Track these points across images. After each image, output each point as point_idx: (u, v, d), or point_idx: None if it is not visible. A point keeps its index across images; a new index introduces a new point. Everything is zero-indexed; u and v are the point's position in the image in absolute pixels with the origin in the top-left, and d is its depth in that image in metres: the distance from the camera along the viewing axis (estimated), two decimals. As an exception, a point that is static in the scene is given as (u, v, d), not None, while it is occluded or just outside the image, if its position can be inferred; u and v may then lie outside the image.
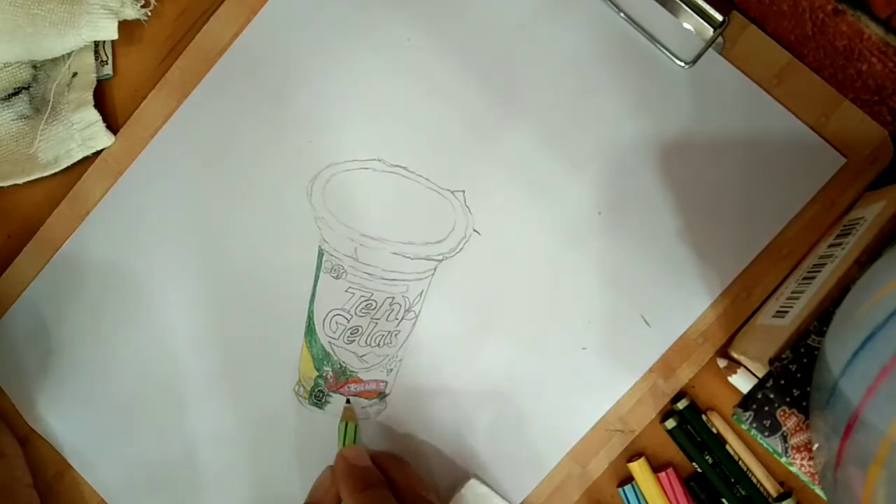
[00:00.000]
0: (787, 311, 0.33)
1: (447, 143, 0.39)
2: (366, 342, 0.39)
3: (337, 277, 0.39)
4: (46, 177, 0.41)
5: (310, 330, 0.39)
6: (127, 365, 0.40)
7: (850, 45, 0.33)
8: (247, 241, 0.40)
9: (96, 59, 0.41)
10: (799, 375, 0.31)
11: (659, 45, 0.37)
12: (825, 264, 0.33)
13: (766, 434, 0.31)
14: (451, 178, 0.39)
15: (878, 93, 0.34)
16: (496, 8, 0.39)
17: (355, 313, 0.39)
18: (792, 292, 0.34)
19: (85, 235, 0.41)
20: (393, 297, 0.39)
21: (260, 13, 0.40)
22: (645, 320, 0.37)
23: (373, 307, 0.39)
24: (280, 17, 0.40)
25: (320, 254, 0.39)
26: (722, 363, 0.37)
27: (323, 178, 0.39)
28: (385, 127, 0.39)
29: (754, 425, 0.31)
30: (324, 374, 0.39)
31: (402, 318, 0.39)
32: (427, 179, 0.39)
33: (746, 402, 0.32)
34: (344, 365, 0.39)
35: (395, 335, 0.39)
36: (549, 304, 0.38)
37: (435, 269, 0.39)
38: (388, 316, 0.39)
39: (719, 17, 0.37)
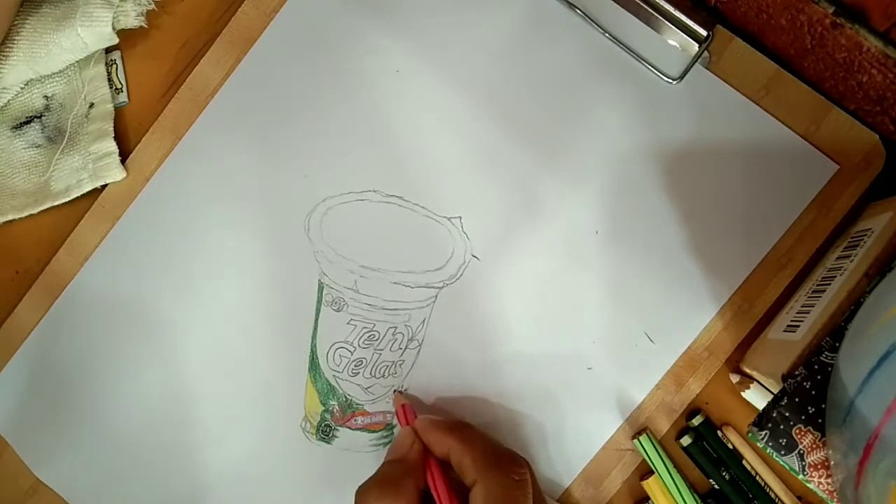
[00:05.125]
0: (797, 325, 0.33)
1: (441, 170, 0.39)
2: (370, 374, 0.39)
3: (338, 310, 0.39)
4: (54, 213, 0.41)
5: (313, 364, 0.39)
6: (132, 408, 0.40)
7: (850, 58, 0.33)
8: (246, 280, 0.40)
9: (110, 88, 0.41)
10: (813, 392, 0.30)
11: (645, 63, 0.38)
12: (834, 277, 0.33)
13: (783, 452, 0.31)
14: (447, 204, 0.39)
15: (880, 103, 0.35)
16: (482, 34, 0.39)
17: (358, 345, 0.39)
18: (802, 306, 0.34)
19: (84, 281, 0.41)
20: (395, 327, 0.39)
21: (249, 53, 0.40)
22: (648, 337, 0.37)
23: (375, 338, 0.39)
24: (269, 55, 0.40)
25: (320, 287, 0.39)
26: (735, 378, 0.37)
27: (319, 212, 0.40)
28: (379, 158, 0.39)
29: (770, 444, 0.31)
30: (330, 409, 0.39)
31: (406, 348, 0.39)
32: (423, 207, 0.39)
33: (761, 420, 0.31)
34: (349, 398, 0.39)
35: (400, 365, 0.39)
36: (552, 326, 0.38)
37: (436, 296, 0.39)
38: (392, 346, 0.39)
39: (703, 33, 0.37)
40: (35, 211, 0.41)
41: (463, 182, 0.39)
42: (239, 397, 0.39)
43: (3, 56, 0.40)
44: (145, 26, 0.41)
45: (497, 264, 0.38)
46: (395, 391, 0.39)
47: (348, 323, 0.39)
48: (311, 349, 0.39)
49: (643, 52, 0.38)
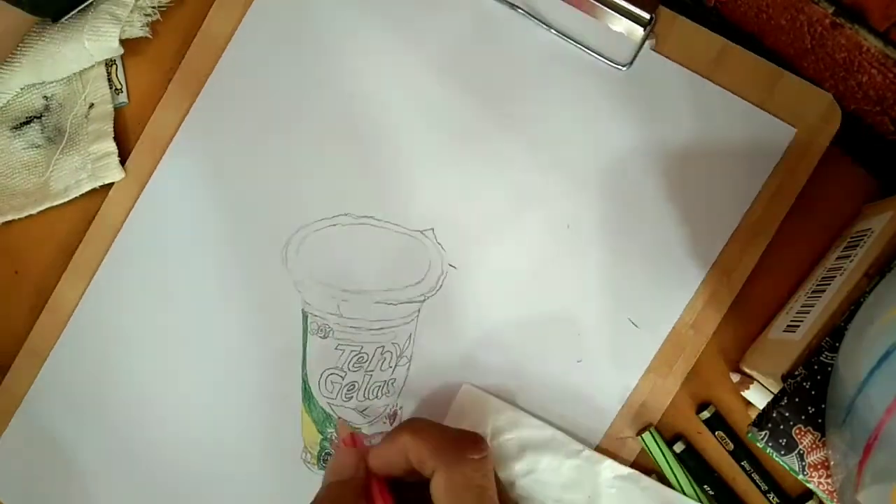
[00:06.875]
0: (797, 325, 0.33)
1: (408, 185, 0.39)
2: (364, 396, 0.39)
3: (324, 337, 0.39)
4: (54, 214, 0.41)
5: (306, 394, 0.39)
6: (130, 467, 0.40)
7: (850, 58, 0.33)
8: (230, 321, 0.40)
9: (110, 88, 0.41)
10: (813, 392, 0.31)
11: (594, 54, 0.38)
12: (834, 277, 0.33)
13: (783, 453, 0.31)
14: (418, 218, 0.39)
15: (880, 103, 0.35)
16: (431, 46, 0.39)
17: (349, 369, 0.39)
18: (802, 306, 0.34)
19: (69, 342, 0.40)
20: (383, 346, 0.39)
21: (201, 94, 0.40)
22: (633, 322, 0.37)
23: (365, 360, 0.39)
24: (222, 94, 0.40)
25: (304, 316, 0.39)
26: (735, 378, 0.37)
27: (295, 242, 0.40)
28: (347, 181, 0.39)
29: (770, 444, 0.31)
30: (328, 436, 0.39)
31: (396, 365, 0.39)
32: (396, 225, 0.39)
33: (761, 420, 0.31)
34: (346, 423, 0.39)
35: (392, 383, 0.39)
36: (536, 323, 0.38)
37: (419, 310, 0.39)
38: (382, 365, 0.39)
39: (646, 16, 0.37)
40: (34, 211, 0.41)
41: (430, 194, 0.39)
42: (236, 437, 0.39)
43: (8, 63, 0.40)
44: (150, 37, 0.41)
45: (475, 270, 0.39)
46: (339, 419, 0.38)
47: (336, 348, 0.39)
48: (303, 379, 0.39)
49: (590, 43, 0.38)
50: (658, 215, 0.38)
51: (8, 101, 0.41)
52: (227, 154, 0.40)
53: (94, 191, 0.41)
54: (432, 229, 0.39)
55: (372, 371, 0.39)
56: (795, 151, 0.37)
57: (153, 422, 0.40)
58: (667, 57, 0.38)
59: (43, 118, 0.42)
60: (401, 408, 0.39)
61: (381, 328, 0.39)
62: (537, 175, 0.38)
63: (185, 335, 0.40)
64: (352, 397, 0.39)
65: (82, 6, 0.40)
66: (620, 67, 0.38)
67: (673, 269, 0.37)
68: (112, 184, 0.41)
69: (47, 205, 0.41)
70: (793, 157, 0.37)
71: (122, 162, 0.40)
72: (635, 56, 0.37)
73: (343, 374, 0.39)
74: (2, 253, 0.42)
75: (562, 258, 0.38)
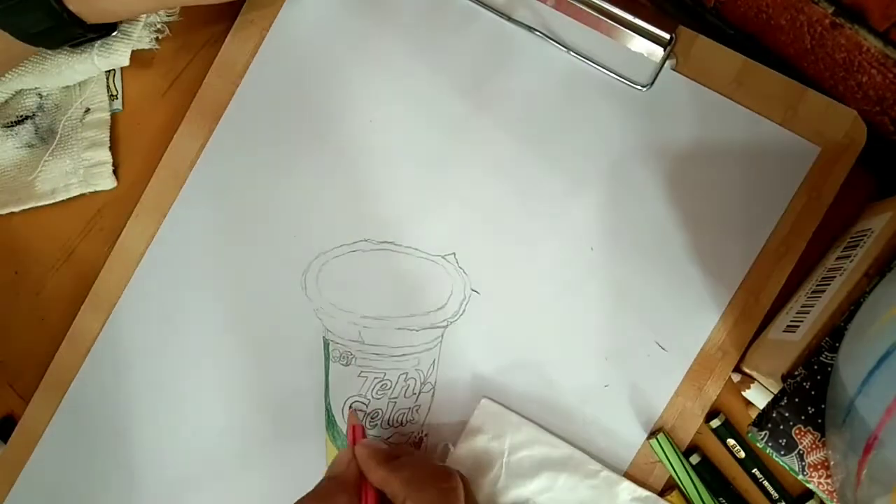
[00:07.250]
0: (797, 326, 0.33)
1: (428, 209, 0.39)
2: (388, 424, 0.38)
3: (347, 364, 0.39)
4: (54, 216, 0.41)
5: (330, 423, 0.39)
6: (150, 501, 0.40)
7: (850, 58, 0.33)
8: (250, 349, 0.39)
9: (107, 94, 0.41)
10: (813, 393, 0.30)
11: (614, 75, 0.38)
12: (834, 277, 0.33)
13: (783, 453, 0.31)
14: (439, 242, 0.39)
15: (880, 104, 0.35)
16: (449, 73, 0.39)
17: (372, 396, 0.39)
18: (802, 306, 0.34)
19: (89, 373, 0.40)
20: (406, 373, 0.38)
21: (220, 123, 0.40)
22: (660, 345, 0.37)
23: (388, 387, 0.38)
24: (240, 122, 0.40)
25: (326, 344, 0.39)
26: (736, 377, 0.36)
27: (315, 269, 0.39)
28: (365, 206, 0.39)
29: (770, 444, 0.31)
30: (353, 465, 0.38)
31: (420, 392, 0.38)
32: (416, 249, 0.39)
33: (761, 420, 0.31)
34: (371, 451, 0.38)
35: (416, 410, 0.38)
36: (562, 348, 0.38)
37: (442, 335, 0.38)
38: (406, 392, 0.38)
39: (666, 36, 0.37)
40: (17, 209, 0.41)
41: (452, 218, 0.39)
42: (260, 465, 0.39)
43: (14, 70, 0.40)
44: (157, 48, 0.41)
45: (498, 295, 0.38)
46: (350, 407, 0.38)
47: (359, 376, 0.39)
48: (326, 407, 0.39)
49: (610, 64, 0.38)
50: (683, 237, 0.37)
51: (5, 100, 0.41)
52: (245, 182, 0.40)
53: (91, 198, 0.41)
54: (454, 254, 0.39)
55: (395, 398, 0.38)
56: (821, 170, 0.36)
57: (174, 456, 0.40)
58: (687, 76, 0.38)
59: (36, 118, 0.42)
60: (426, 435, 0.38)
61: (404, 354, 0.38)
62: (560, 198, 0.38)
63: (206, 364, 0.40)
64: (376, 425, 0.38)
65: (82, 41, 0.39)
66: (641, 88, 0.37)
67: (700, 291, 0.37)
68: (105, 191, 0.41)
69: (31, 204, 0.41)
70: (818, 176, 0.37)
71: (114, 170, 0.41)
72: (655, 77, 0.37)
73: (366, 402, 0.38)
74: (1, 254, 0.42)
75: (586, 281, 0.38)
